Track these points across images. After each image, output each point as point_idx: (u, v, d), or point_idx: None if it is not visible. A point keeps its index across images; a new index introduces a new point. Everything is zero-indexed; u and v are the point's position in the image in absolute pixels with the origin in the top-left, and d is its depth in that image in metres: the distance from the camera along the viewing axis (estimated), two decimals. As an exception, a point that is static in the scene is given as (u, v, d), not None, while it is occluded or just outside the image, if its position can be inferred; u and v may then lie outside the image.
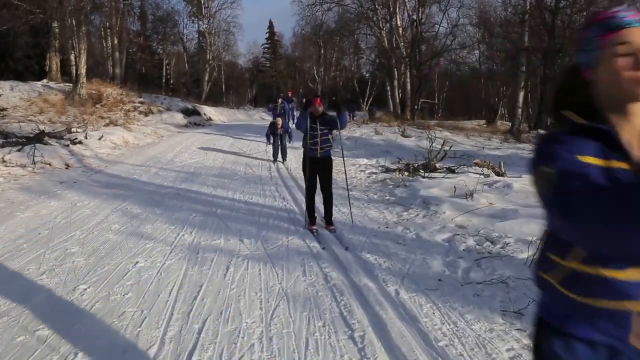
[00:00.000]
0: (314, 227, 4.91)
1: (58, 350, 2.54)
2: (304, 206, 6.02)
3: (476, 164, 8.47)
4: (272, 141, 10.06)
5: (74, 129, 11.33)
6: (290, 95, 19.37)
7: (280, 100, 11.99)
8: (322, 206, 5.18)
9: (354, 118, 23.22)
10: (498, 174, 7.63)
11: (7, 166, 7.57)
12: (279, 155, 10.00)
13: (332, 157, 5.24)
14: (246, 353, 2.55)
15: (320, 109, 5.03)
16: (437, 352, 2.57)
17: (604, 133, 0.94)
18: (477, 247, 4.20)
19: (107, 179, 7.44)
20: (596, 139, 0.94)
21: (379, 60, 29.70)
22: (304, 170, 5.24)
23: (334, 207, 5.21)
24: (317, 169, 5.08)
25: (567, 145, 0.92)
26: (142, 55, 32.17)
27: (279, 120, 9.97)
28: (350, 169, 8.91)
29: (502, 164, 8.06)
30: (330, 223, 5.02)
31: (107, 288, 3.35)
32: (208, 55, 32.18)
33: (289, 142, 10.27)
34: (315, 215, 5.07)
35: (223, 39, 34.88)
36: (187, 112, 19.40)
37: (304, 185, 7.34)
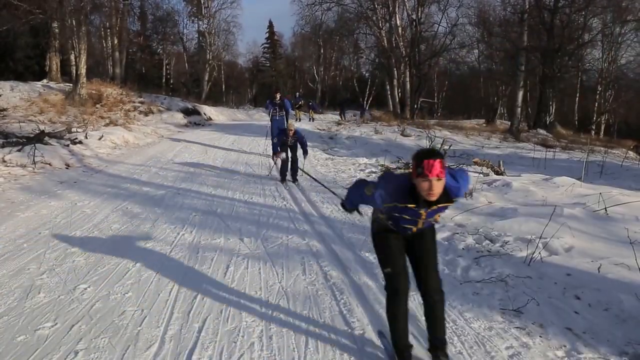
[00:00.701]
0: None
1: (58, 349, 2.55)
2: (304, 206, 6.02)
3: (475, 163, 8.48)
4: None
5: (74, 129, 11.34)
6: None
7: (278, 96, 10.16)
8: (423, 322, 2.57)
9: (345, 116, 23.67)
10: (497, 173, 7.64)
11: (8, 166, 7.58)
12: (289, 173, 7.51)
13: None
14: (246, 352, 2.56)
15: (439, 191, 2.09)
16: (437, 350, 2.58)
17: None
18: (477, 245, 4.20)
19: (107, 179, 7.44)
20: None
21: (378, 59, 29.68)
22: (378, 249, 2.51)
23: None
24: (411, 247, 2.46)
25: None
26: (142, 55, 32.17)
27: (292, 126, 7.65)
28: (350, 168, 8.93)
29: (501, 163, 8.07)
30: None
31: (108, 287, 3.36)
32: (208, 55, 32.16)
33: (304, 157, 7.60)
34: (410, 343, 2.45)
35: (223, 39, 34.84)
36: (187, 112, 19.40)
37: (304, 185, 7.38)
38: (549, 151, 12.43)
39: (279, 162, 7.57)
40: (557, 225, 4.16)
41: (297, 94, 25.79)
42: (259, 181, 7.63)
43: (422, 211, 2.20)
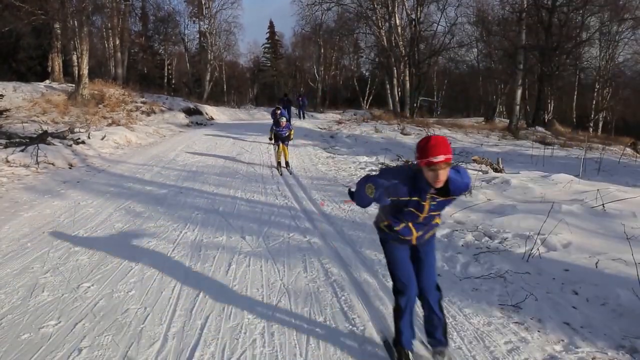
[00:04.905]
0: None
1: (62, 347, 2.59)
2: (305, 204, 6.03)
3: (475, 161, 8.51)
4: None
5: (76, 129, 11.38)
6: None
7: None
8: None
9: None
10: (496, 171, 7.67)
11: (11, 166, 7.62)
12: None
13: None
14: (248, 348, 2.59)
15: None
16: (436, 345, 2.61)
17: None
18: (476, 242, 4.24)
19: (110, 178, 7.48)
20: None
21: (378, 59, 29.67)
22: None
23: None
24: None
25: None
26: (143, 56, 32.17)
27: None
28: (350, 167, 8.96)
29: (500, 160, 8.10)
30: None
31: (111, 285, 3.40)
32: (209, 55, 32.17)
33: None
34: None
35: (224, 39, 34.81)
36: (189, 112, 19.44)
37: (305, 183, 7.42)
38: (548, 148, 12.45)
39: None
40: (555, 222, 4.19)
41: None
42: (260, 180, 7.66)
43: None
